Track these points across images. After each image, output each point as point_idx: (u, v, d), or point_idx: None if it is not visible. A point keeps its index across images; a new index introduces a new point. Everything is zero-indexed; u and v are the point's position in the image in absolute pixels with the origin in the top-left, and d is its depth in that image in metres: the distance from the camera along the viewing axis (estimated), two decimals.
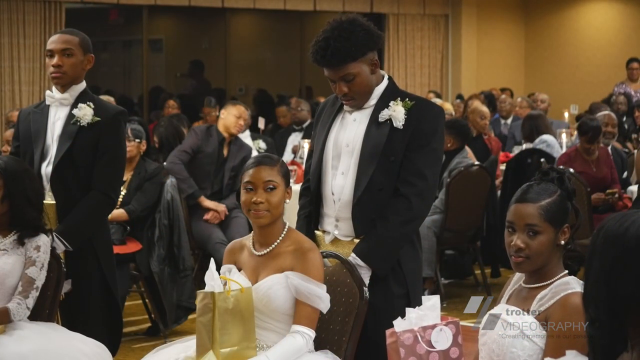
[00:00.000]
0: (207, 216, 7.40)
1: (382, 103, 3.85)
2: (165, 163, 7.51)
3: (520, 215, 2.98)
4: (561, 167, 7.58)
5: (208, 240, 7.35)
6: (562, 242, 3.00)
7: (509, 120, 11.37)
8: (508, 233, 3.02)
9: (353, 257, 3.75)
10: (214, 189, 7.54)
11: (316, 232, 3.96)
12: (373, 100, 3.87)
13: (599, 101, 12.34)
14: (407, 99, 3.84)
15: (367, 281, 3.71)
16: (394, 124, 3.79)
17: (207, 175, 7.54)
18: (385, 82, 3.90)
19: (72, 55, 4.62)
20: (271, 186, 3.57)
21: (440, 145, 3.90)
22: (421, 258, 3.97)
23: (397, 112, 3.80)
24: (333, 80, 3.82)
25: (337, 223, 3.87)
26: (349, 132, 3.88)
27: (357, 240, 3.82)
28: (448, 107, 10.79)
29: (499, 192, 8.22)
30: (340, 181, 3.85)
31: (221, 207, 7.43)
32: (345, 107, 3.93)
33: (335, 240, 3.89)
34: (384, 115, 3.81)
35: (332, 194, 3.87)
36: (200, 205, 7.44)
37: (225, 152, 7.55)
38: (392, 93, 3.88)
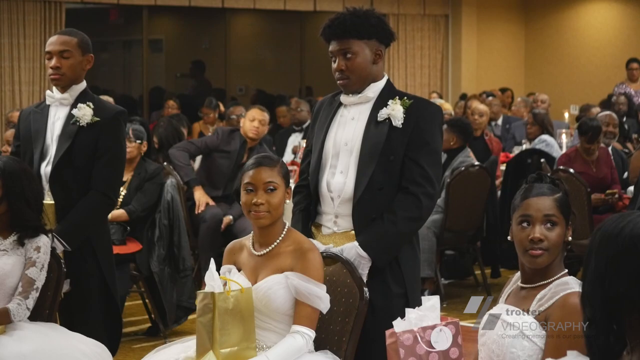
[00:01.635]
0: (201, 208, 7.44)
1: (381, 101, 3.86)
2: (171, 148, 7.59)
3: (538, 207, 2.99)
4: (561, 167, 7.59)
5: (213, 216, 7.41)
6: (570, 238, 3.02)
7: (499, 121, 11.38)
8: (521, 228, 3.01)
9: (355, 246, 3.75)
10: (227, 191, 7.56)
11: (312, 227, 3.97)
12: (371, 94, 3.88)
13: (599, 102, 12.37)
14: (405, 98, 3.86)
15: (365, 272, 3.72)
16: (393, 123, 3.81)
17: (223, 177, 7.57)
18: (384, 80, 3.92)
19: (70, 57, 4.61)
20: (271, 187, 3.57)
21: (440, 145, 3.93)
22: (419, 258, 3.98)
23: (395, 111, 3.81)
24: (334, 56, 3.85)
25: (336, 220, 3.88)
26: (347, 130, 3.89)
27: (353, 232, 3.83)
28: (448, 107, 10.81)
29: (499, 193, 8.22)
30: (340, 179, 3.86)
31: (206, 200, 7.44)
32: (343, 99, 3.93)
33: (333, 233, 3.90)
34: (382, 114, 3.83)
35: (330, 191, 3.87)
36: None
37: (245, 157, 7.56)
38: (390, 92, 3.90)
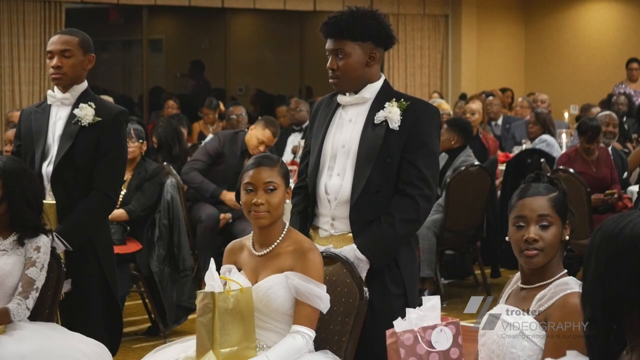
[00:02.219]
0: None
1: (378, 103, 3.86)
2: (181, 174, 7.55)
3: (532, 208, 2.99)
4: (561, 167, 7.59)
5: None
6: (567, 237, 3.02)
7: (499, 121, 11.39)
8: (516, 229, 3.01)
9: (353, 249, 3.75)
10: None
11: (310, 229, 3.97)
12: (368, 95, 3.88)
13: (599, 101, 12.38)
14: (402, 99, 3.85)
15: (364, 275, 3.72)
16: (390, 126, 3.80)
17: (223, 182, 7.54)
18: (381, 81, 3.91)
19: (71, 56, 4.61)
20: (271, 187, 3.57)
21: (437, 147, 3.93)
22: (417, 258, 3.99)
23: (392, 114, 3.81)
24: (329, 54, 3.87)
25: (333, 222, 3.88)
26: (345, 133, 3.89)
27: (350, 235, 3.83)
28: (446, 107, 10.79)
29: (499, 192, 8.22)
30: (336, 181, 3.86)
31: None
32: (339, 99, 3.93)
33: (330, 236, 3.90)
34: (379, 117, 3.82)
35: (327, 193, 3.87)
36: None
37: (245, 161, 7.51)
38: (388, 93, 3.89)
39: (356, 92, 3.90)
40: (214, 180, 7.59)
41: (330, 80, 3.90)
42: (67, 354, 3.95)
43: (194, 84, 15.18)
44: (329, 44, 3.87)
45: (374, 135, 3.81)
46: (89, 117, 4.59)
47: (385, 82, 3.94)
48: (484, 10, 15.48)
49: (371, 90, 3.89)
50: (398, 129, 3.80)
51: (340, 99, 3.94)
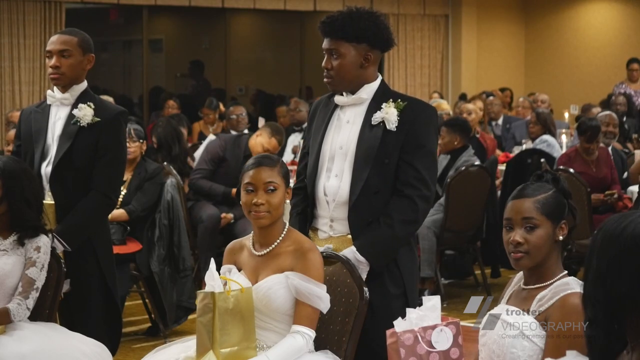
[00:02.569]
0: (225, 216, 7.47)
1: (375, 103, 3.85)
2: (188, 186, 7.56)
3: (517, 210, 2.99)
4: (561, 167, 7.59)
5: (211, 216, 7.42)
6: (561, 237, 3.01)
7: (500, 121, 11.39)
8: (506, 231, 3.03)
9: (353, 251, 3.75)
10: (228, 196, 7.56)
11: (310, 230, 3.97)
12: (365, 95, 3.87)
13: (599, 101, 12.38)
14: (399, 100, 3.85)
15: (364, 276, 3.72)
16: (387, 127, 3.80)
17: (226, 185, 7.54)
18: (378, 81, 3.91)
19: (70, 56, 4.61)
20: (272, 187, 3.57)
21: (435, 147, 3.92)
22: (417, 258, 3.98)
23: (389, 115, 3.80)
24: (325, 53, 3.87)
25: (332, 223, 3.88)
26: (343, 134, 3.89)
27: (349, 236, 3.83)
28: (445, 107, 10.79)
29: (499, 192, 8.22)
30: (334, 183, 3.86)
31: None
32: (337, 99, 3.93)
33: (329, 237, 3.90)
34: (376, 118, 3.82)
35: (325, 195, 3.87)
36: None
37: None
38: (385, 93, 3.89)
39: (353, 93, 3.89)
40: (215, 180, 7.60)
41: (325, 80, 3.91)
42: (67, 354, 3.95)
43: (194, 84, 15.18)
44: (325, 43, 3.88)
45: (371, 136, 3.81)
46: (88, 117, 4.59)
47: (382, 83, 3.93)
48: (484, 10, 15.48)
49: (368, 90, 3.88)
50: (395, 129, 3.79)
51: (338, 99, 3.93)
